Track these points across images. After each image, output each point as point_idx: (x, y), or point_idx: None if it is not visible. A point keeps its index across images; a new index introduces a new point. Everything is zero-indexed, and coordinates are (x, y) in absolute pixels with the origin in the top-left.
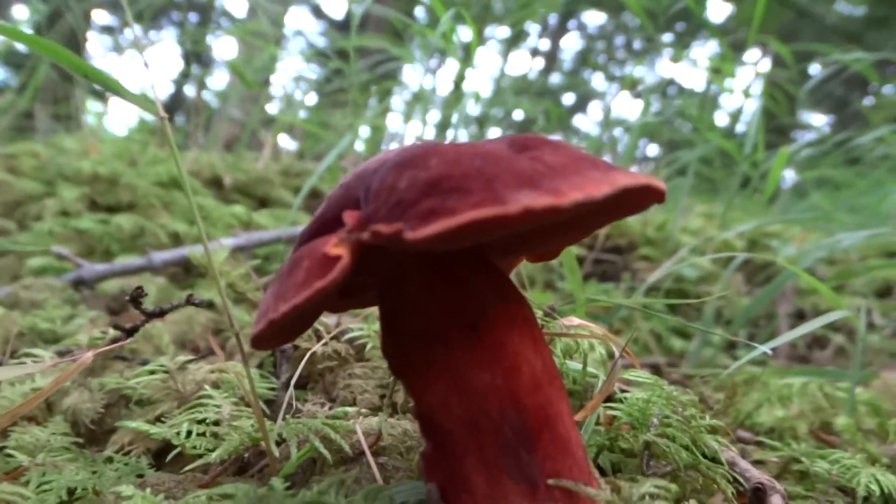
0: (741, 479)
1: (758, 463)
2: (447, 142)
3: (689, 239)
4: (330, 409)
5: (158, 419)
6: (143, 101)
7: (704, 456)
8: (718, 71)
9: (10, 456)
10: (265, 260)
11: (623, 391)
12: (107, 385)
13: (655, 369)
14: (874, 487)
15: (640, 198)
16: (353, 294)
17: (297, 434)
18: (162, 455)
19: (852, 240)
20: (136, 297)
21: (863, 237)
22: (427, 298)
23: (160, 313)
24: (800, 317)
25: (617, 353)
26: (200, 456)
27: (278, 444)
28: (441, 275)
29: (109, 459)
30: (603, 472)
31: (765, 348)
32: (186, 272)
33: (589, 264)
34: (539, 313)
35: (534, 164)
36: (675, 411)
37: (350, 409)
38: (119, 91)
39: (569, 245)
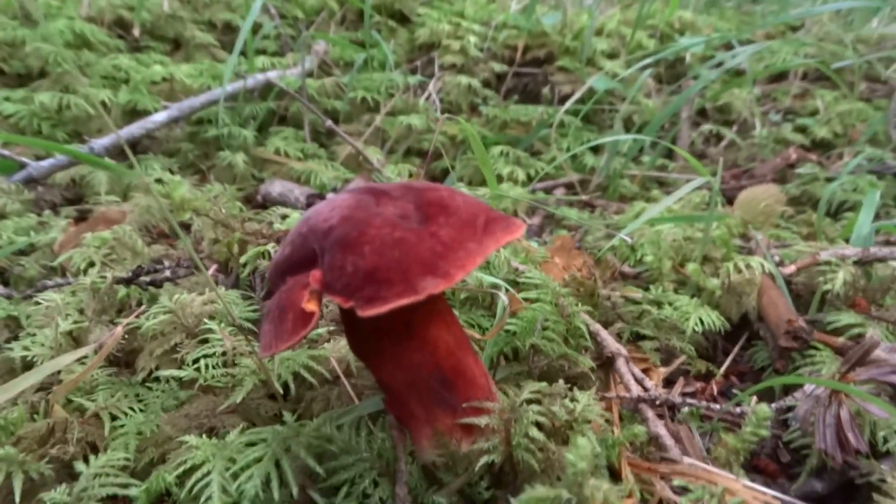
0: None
1: (630, 301)
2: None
3: (604, 44)
4: None
5: (174, 349)
6: None
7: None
8: None
9: (70, 399)
10: (198, 124)
11: (523, 278)
12: (124, 323)
13: (569, 186)
14: (698, 327)
15: (508, 242)
16: None
17: (290, 370)
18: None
19: (745, 55)
20: (136, 275)
21: (753, 50)
22: None
23: (156, 284)
24: (701, 113)
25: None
26: (221, 387)
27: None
28: None
29: (147, 387)
30: (507, 359)
31: (623, 235)
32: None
33: (510, 79)
34: None
35: (433, 246)
36: (558, 303)
37: (322, 330)
38: None
39: None
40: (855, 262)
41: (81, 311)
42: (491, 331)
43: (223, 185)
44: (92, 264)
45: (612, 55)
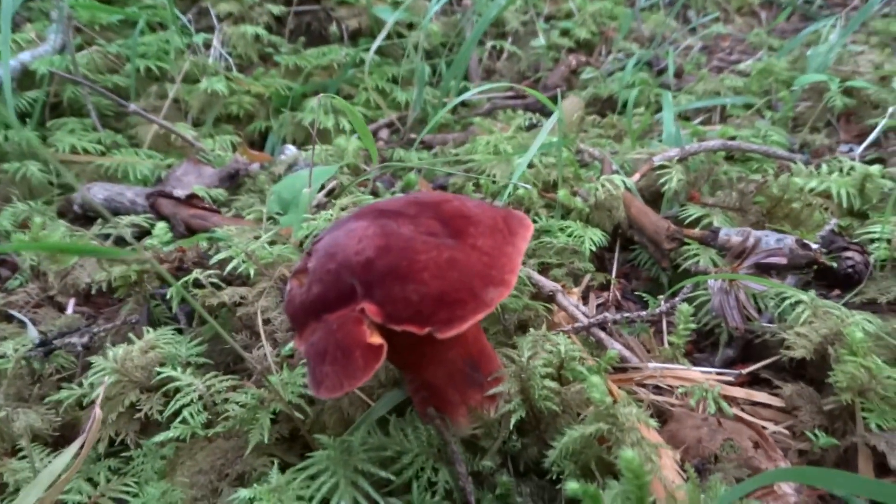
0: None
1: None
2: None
3: None
4: (273, 347)
5: (133, 408)
6: None
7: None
8: None
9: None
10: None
11: None
12: (62, 399)
13: (390, 126)
14: (592, 247)
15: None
16: None
17: (296, 393)
18: (145, 431)
19: None
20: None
21: None
22: None
23: (95, 334)
24: (494, 45)
25: None
26: (220, 433)
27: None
28: None
29: (122, 457)
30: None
31: (524, 185)
32: None
33: (292, 19)
34: None
35: (480, 258)
36: None
37: (288, 347)
38: None
39: None
40: (679, 161)
41: None
42: None
43: (28, 204)
44: None
45: None
